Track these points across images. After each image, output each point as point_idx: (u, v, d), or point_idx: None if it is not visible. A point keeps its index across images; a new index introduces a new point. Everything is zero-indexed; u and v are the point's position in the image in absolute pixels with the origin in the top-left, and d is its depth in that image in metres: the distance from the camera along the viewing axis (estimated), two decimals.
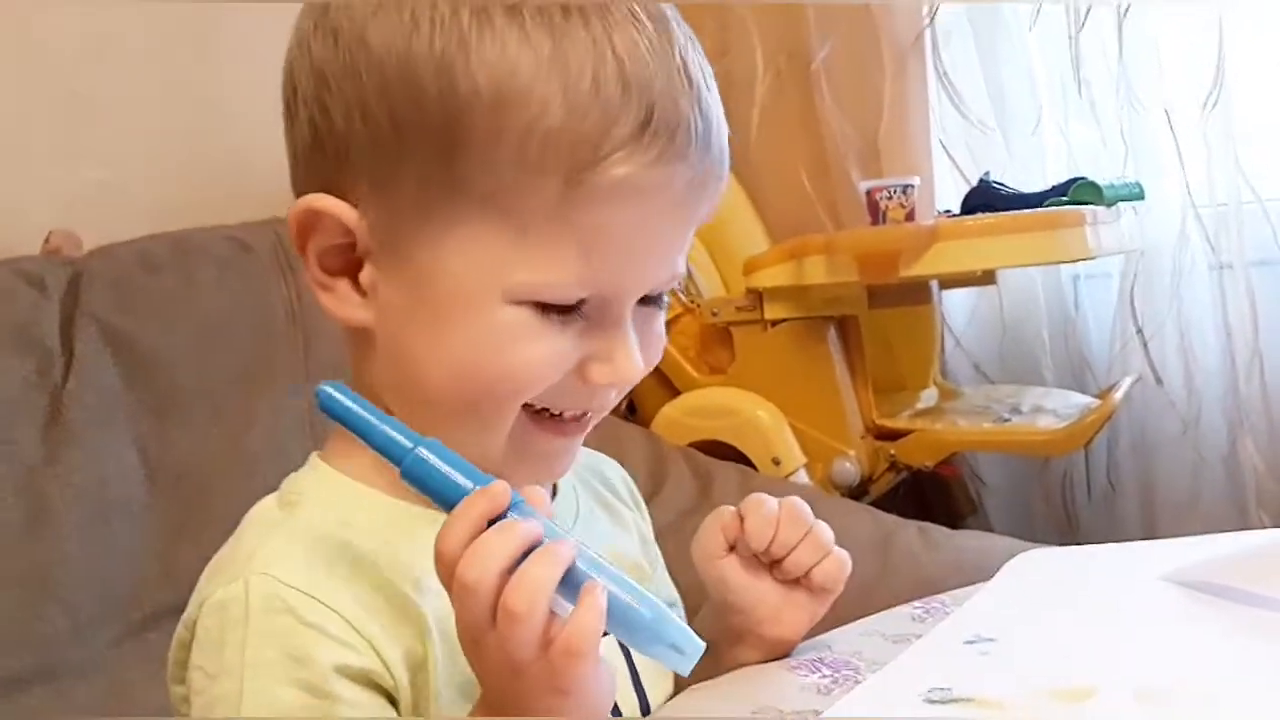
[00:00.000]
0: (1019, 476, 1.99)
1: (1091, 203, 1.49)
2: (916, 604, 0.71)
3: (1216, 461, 1.76)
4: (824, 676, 0.59)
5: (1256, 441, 1.72)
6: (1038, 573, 0.76)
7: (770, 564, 0.62)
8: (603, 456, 0.73)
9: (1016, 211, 1.51)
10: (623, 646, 0.58)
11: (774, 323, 1.66)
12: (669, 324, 1.75)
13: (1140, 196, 1.60)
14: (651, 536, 0.74)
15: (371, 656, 0.51)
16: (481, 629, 0.46)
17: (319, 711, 0.50)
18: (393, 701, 0.52)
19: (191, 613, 0.53)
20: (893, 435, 1.65)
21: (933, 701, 0.53)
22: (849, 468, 1.60)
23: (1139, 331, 1.85)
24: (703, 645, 0.47)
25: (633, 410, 1.79)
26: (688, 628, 0.48)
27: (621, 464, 1.50)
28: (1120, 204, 1.55)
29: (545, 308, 0.52)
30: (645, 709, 0.61)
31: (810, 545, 0.61)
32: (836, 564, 0.62)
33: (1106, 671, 0.55)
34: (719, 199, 0.56)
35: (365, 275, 0.54)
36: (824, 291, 1.59)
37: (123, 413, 1.10)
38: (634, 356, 0.54)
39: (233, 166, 1.46)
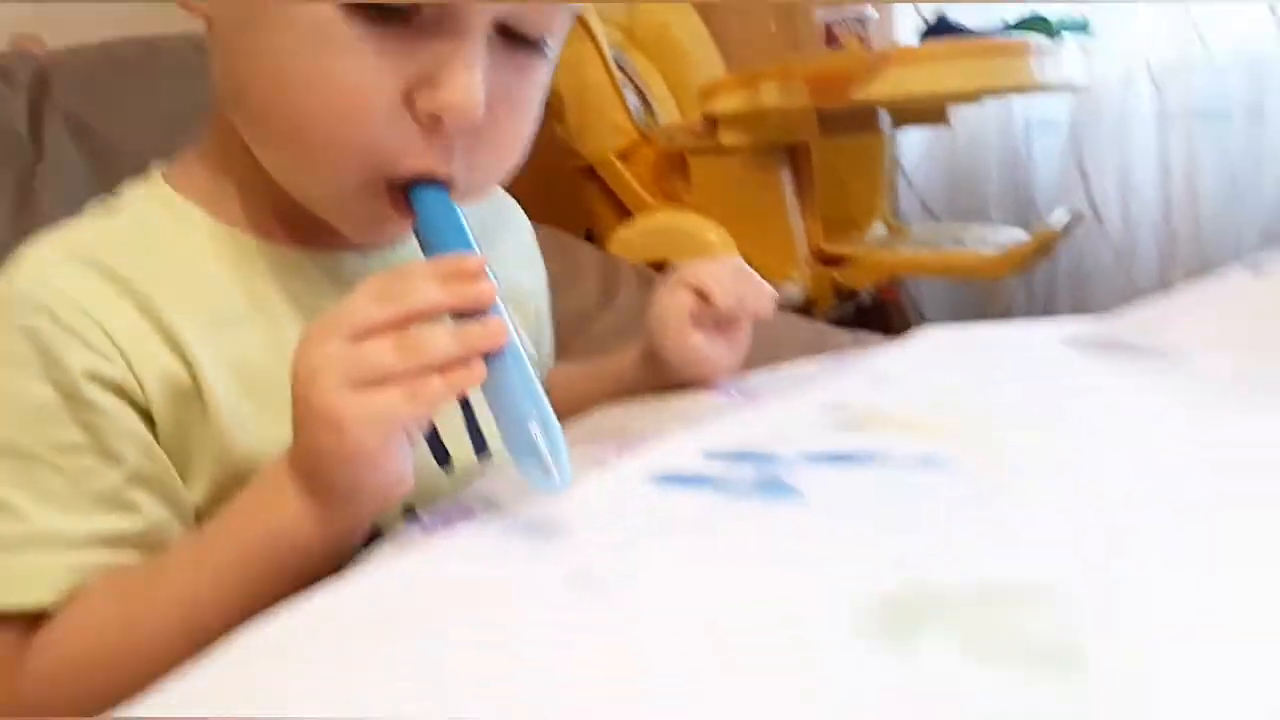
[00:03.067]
0: (960, 309, 2.07)
1: (1040, 32, 1.53)
2: (827, 357, 0.78)
3: (1149, 290, 1.84)
4: (737, 398, 0.66)
5: (1187, 270, 1.80)
6: (942, 336, 0.83)
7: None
8: (513, 205, 0.74)
9: (966, 39, 1.55)
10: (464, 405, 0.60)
11: (728, 150, 1.71)
12: (626, 154, 1.80)
13: (1086, 29, 1.64)
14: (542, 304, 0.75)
15: (123, 368, 0.49)
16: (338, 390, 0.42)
17: (70, 411, 0.48)
18: (150, 421, 0.50)
19: None
20: (838, 262, 1.72)
21: (827, 411, 0.60)
22: (794, 290, 1.67)
23: (1081, 171, 1.91)
24: (568, 483, 0.44)
25: (589, 237, 1.84)
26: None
27: (576, 279, 1.55)
28: (1069, 43, 1.59)
29: (362, 10, 0.46)
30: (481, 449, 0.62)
31: (754, 291, 0.68)
32: (771, 298, 0.69)
33: (990, 392, 0.62)
34: None
35: None
36: (777, 117, 1.63)
37: (91, 200, 1.13)
38: (468, 79, 0.47)
39: None
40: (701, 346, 0.68)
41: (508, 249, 0.71)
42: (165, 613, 0.46)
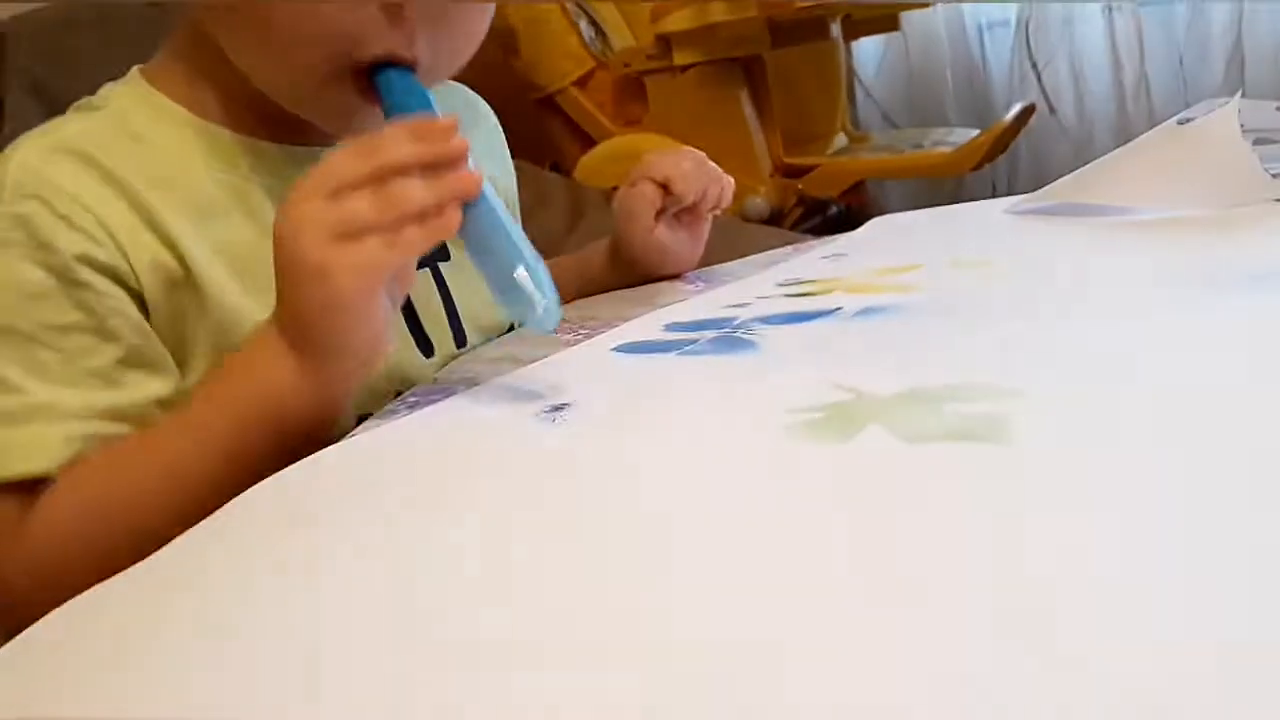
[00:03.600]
0: None
1: None
2: (789, 247, 0.81)
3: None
4: (702, 287, 0.69)
5: None
6: (896, 220, 0.87)
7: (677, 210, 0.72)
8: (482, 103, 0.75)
9: None
10: (442, 290, 0.63)
11: (683, 68, 1.73)
12: (583, 80, 1.81)
13: None
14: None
15: (116, 254, 0.50)
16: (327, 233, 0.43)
17: (64, 292, 0.49)
18: (143, 308, 0.52)
19: None
20: (801, 173, 1.75)
21: (783, 285, 0.63)
22: (759, 203, 1.70)
23: (1034, 66, 1.93)
24: (560, 313, 0.45)
25: (556, 168, 1.86)
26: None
27: (543, 205, 1.57)
28: None
29: None
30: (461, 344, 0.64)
31: (714, 181, 0.71)
32: (730, 187, 0.72)
33: (933, 254, 0.66)
34: None
35: None
36: (728, 31, 1.65)
37: None
38: None
39: None
40: (664, 237, 0.72)
41: (478, 142, 0.72)
42: (154, 478, 0.47)
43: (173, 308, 0.52)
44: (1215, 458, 0.29)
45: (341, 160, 0.44)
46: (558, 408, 0.41)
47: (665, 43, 1.71)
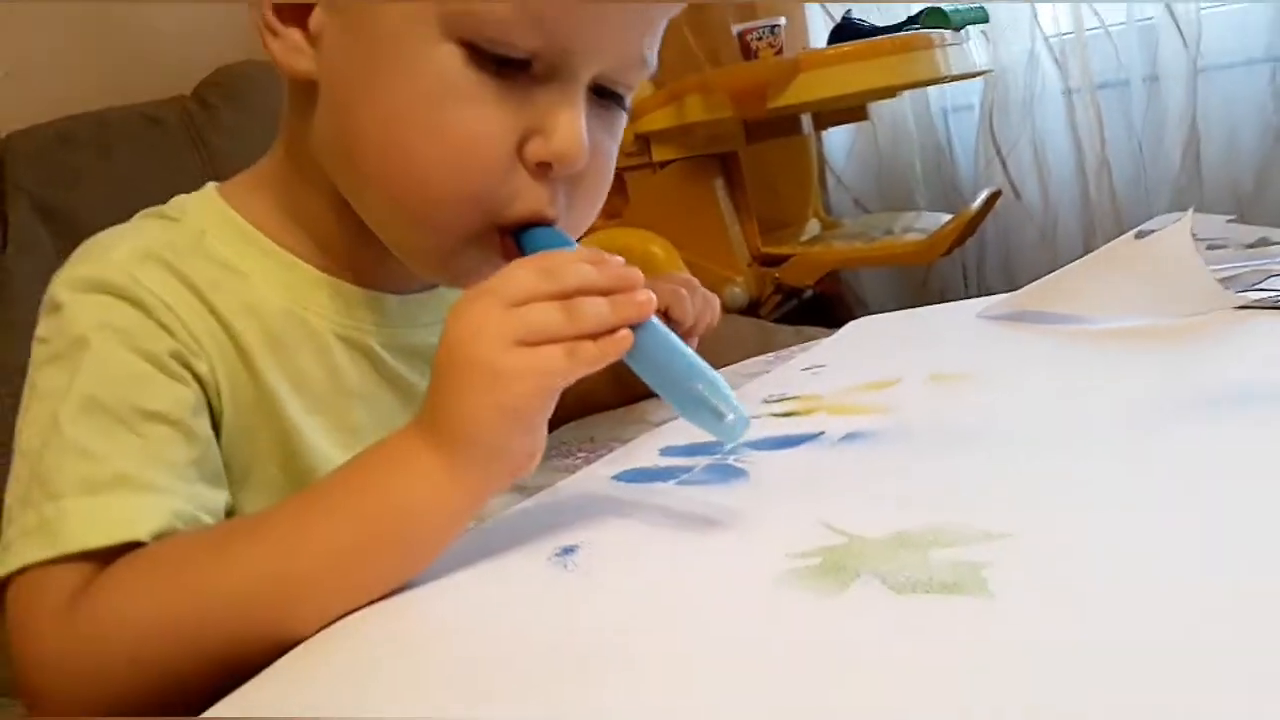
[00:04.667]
0: (898, 293, 2.15)
1: (940, 27, 1.62)
2: (770, 355, 0.85)
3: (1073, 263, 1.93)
4: None
5: (1107, 239, 1.89)
6: (872, 325, 0.91)
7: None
8: None
9: (872, 39, 1.64)
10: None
11: (662, 164, 1.78)
12: None
13: (984, 19, 1.73)
14: None
15: (207, 366, 0.52)
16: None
17: (159, 381, 0.50)
18: (216, 423, 0.53)
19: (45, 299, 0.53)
20: (777, 262, 1.80)
21: (768, 402, 0.67)
22: (738, 292, 1.74)
23: (998, 152, 2.00)
24: (748, 420, 0.44)
25: None
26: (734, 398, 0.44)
27: None
28: (968, 27, 1.68)
29: (485, 59, 0.49)
30: None
31: (705, 303, 0.75)
32: (717, 309, 0.76)
33: (911, 369, 0.69)
34: None
35: (314, 20, 0.52)
36: (704, 129, 1.71)
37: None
38: (577, 128, 0.50)
39: (138, 49, 1.51)
40: None
41: None
42: (257, 576, 0.42)
43: (244, 424, 0.53)
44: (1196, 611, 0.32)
45: (524, 276, 0.44)
46: (569, 550, 0.44)
47: (644, 141, 1.77)
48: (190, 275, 0.53)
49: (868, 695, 0.29)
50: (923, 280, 2.13)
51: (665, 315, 0.73)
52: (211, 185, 0.60)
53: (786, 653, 0.33)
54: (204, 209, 0.58)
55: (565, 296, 0.43)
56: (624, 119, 0.57)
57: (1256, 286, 0.74)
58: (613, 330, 0.43)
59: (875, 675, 0.30)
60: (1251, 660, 0.28)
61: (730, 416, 0.43)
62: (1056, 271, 0.82)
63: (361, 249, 0.57)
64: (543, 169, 0.51)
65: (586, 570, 0.42)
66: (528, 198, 0.51)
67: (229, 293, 0.54)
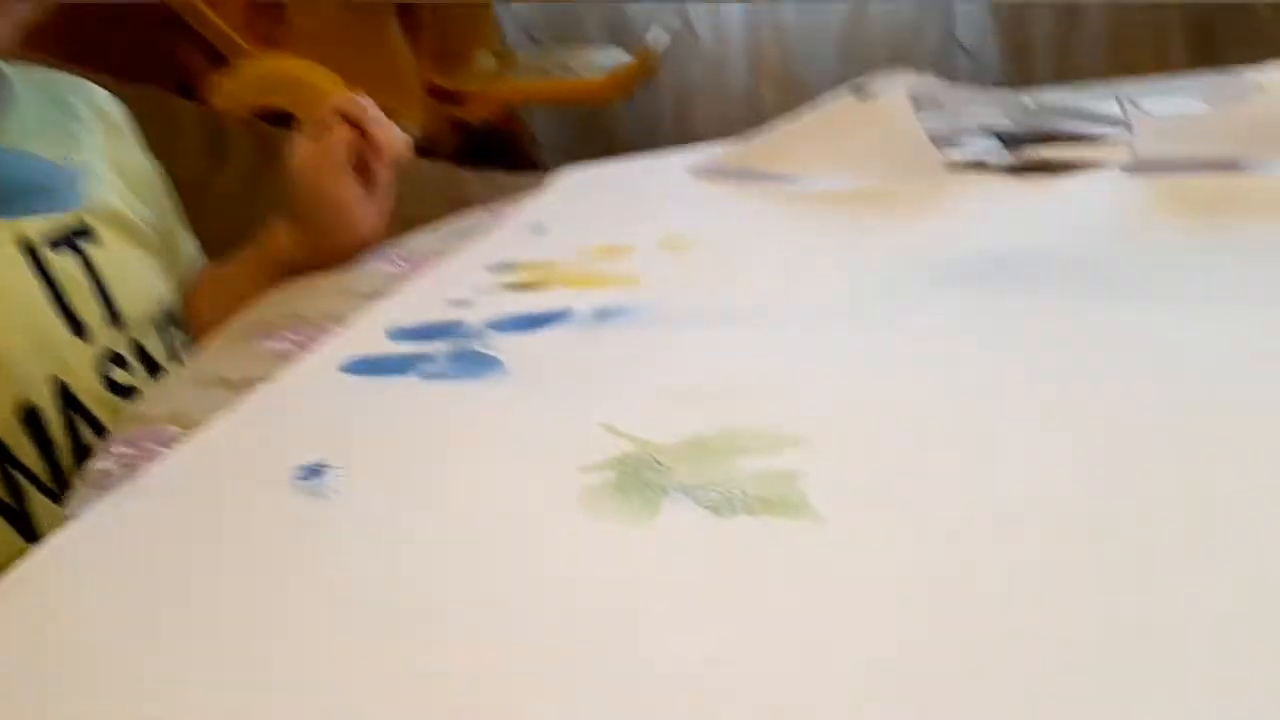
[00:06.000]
0: (571, 128, 2.12)
1: None
2: (483, 212, 0.79)
3: (741, 102, 1.96)
4: (405, 268, 0.66)
5: (772, 81, 1.93)
6: (582, 179, 0.86)
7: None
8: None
9: None
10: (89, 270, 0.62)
11: None
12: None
13: None
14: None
15: None
16: None
17: None
18: None
19: None
20: (452, 97, 1.70)
21: (495, 270, 0.62)
22: (411, 129, 1.64)
23: None
24: None
25: (187, 93, 1.70)
26: None
27: (177, 141, 1.45)
28: None
29: None
30: None
31: (391, 131, 0.70)
32: (406, 141, 0.72)
33: (639, 233, 0.66)
34: None
35: None
36: None
37: None
38: None
39: None
40: (354, 188, 0.69)
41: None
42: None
43: None
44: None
45: None
46: (315, 471, 0.38)
47: None
48: None
49: (697, 645, 0.26)
50: (593, 115, 2.09)
51: (357, 129, 0.68)
52: None
53: (606, 596, 0.29)
54: None
55: None
56: None
57: (961, 144, 0.76)
58: None
59: (705, 621, 0.27)
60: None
61: None
62: (772, 129, 0.80)
63: None
64: None
65: (345, 500, 0.36)
66: None
67: None
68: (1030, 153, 0.73)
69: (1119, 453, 0.33)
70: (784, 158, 0.76)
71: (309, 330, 0.56)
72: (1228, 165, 0.64)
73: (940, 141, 0.73)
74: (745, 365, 0.44)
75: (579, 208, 0.76)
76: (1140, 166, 0.66)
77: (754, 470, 0.34)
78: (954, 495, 0.32)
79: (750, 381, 0.42)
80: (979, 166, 0.72)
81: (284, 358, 0.52)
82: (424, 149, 1.75)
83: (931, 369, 0.41)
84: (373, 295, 0.60)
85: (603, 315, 0.51)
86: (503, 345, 0.49)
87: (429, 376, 0.46)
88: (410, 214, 0.91)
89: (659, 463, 0.35)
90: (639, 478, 0.34)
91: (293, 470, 0.38)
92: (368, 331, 0.54)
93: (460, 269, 0.63)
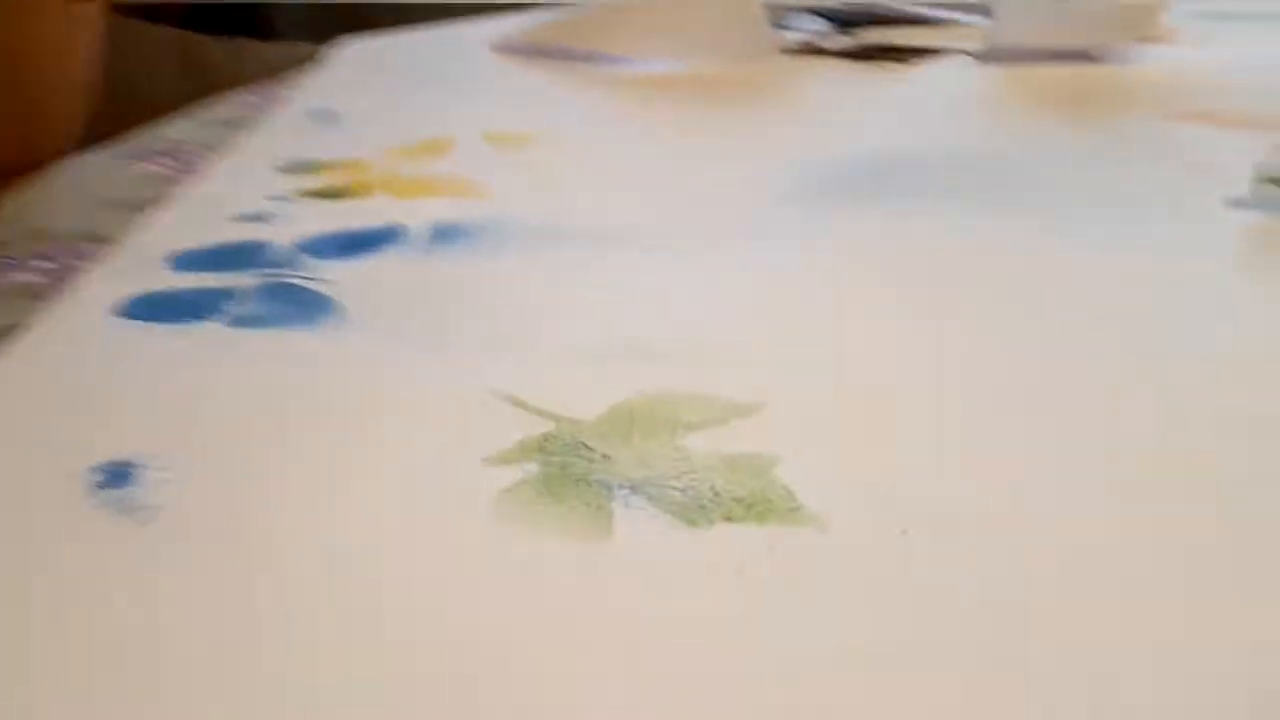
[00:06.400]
0: None
1: None
2: (253, 93, 0.67)
3: None
4: (170, 166, 0.54)
5: None
6: (368, 53, 0.75)
7: None
8: None
9: None
10: None
11: None
12: None
13: None
14: None
15: None
16: None
17: None
18: None
19: None
20: None
21: (288, 172, 0.51)
22: None
23: None
24: None
25: None
26: None
27: None
28: None
29: None
30: None
31: None
32: None
33: (456, 124, 0.57)
34: None
35: None
36: None
37: None
38: None
39: None
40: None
41: None
42: None
43: None
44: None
45: None
46: (120, 474, 0.28)
47: None
48: None
49: None
50: None
51: None
52: None
53: (569, 688, 0.21)
54: None
55: None
56: None
57: (788, 24, 0.70)
58: None
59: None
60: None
61: None
62: (586, 4, 0.72)
63: None
64: None
65: (169, 517, 0.26)
66: None
67: None
68: (864, 36, 0.68)
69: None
70: (603, 35, 0.68)
71: (59, 254, 0.45)
72: (1080, 56, 0.61)
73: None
74: (645, 303, 0.37)
75: (372, 91, 0.66)
76: (992, 56, 0.62)
77: (713, 454, 0.27)
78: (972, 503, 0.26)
79: (659, 324, 0.35)
80: (812, 49, 0.66)
81: (37, 295, 0.41)
82: (152, 13, 1.54)
83: (860, 293, 0.36)
84: (138, 205, 0.49)
85: (444, 235, 0.43)
86: (326, 275, 0.39)
87: (240, 322, 0.36)
88: (141, 90, 0.78)
89: (588, 447, 0.28)
90: (569, 472, 0.27)
91: (85, 469, 0.28)
92: (143, 258, 0.42)
93: (244, 170, 0.52)
